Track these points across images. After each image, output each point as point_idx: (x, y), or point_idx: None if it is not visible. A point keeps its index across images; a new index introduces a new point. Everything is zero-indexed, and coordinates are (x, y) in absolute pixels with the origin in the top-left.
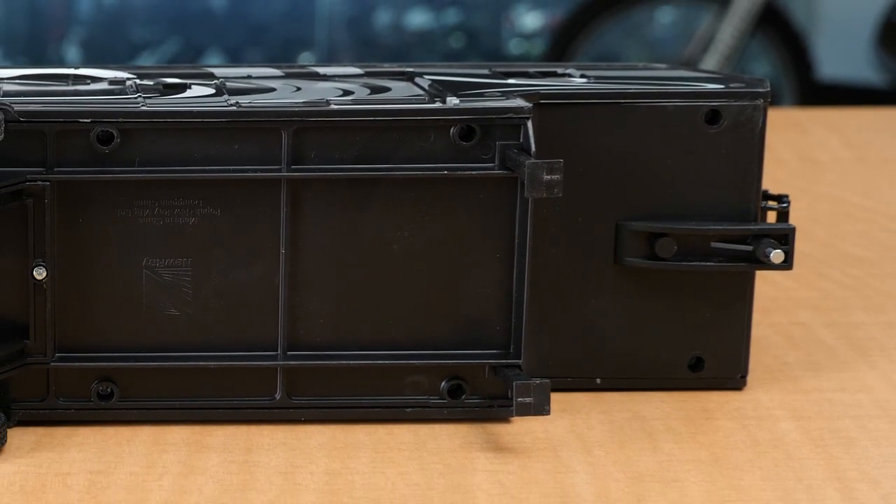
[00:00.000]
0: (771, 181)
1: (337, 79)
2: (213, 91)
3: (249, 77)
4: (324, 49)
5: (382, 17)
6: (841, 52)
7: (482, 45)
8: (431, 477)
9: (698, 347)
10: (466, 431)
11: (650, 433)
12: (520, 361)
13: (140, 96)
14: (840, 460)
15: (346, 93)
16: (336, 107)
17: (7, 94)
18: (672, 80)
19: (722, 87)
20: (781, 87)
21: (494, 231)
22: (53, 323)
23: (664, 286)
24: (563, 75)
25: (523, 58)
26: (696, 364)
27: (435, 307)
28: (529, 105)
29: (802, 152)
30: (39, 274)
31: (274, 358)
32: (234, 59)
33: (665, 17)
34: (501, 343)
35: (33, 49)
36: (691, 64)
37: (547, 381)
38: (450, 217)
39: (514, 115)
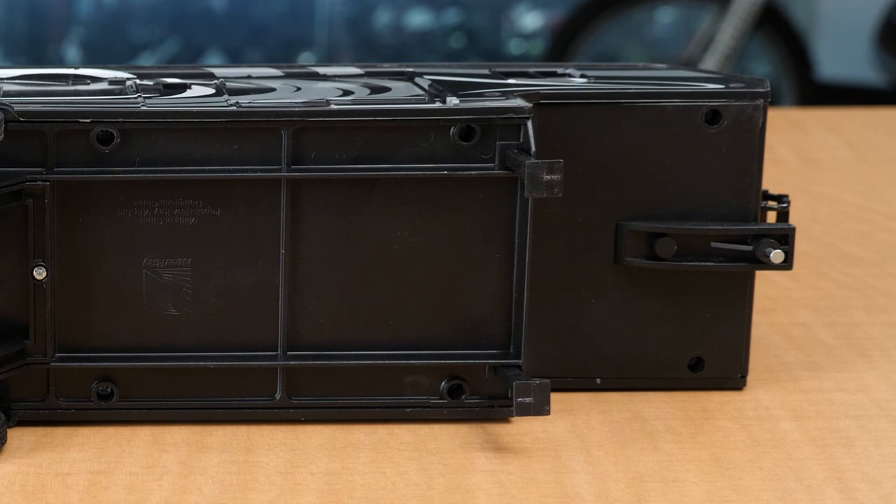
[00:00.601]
0: (771, 181)
1: (337, 79)
2: (213, 91)
3: (249, 77)
4: (324, 49)
5: (382, 17)
6: (841, 52)
7: (482, 45)
8: (431, 477)
9: (698, 347)
10: (466, 431)
11: (650, 433)
12: (520, 361)
13: (140, 96)
14: (840, 460)
15: (346, 93)
16: (336, 107)
17: (7, 94)
18: (672, 80)
19: (722, 87)
20: (781, 87)
21: (494, 231)
22: (53, 323)
23: (664, 286)
24: (563, 75)
25: (523, 58)
26: (696, 364)
27: (435, 307)
28: (529, 105)
29: (802, 152)
30: (39, 274)
31: (274, 358)
32: (234, 59)
33: (665, 17)
34: (501, 343)
35: (33, 49)
36: (691, 64)
37: (547, 381)
38: (450, 217)
39: (514, 115)
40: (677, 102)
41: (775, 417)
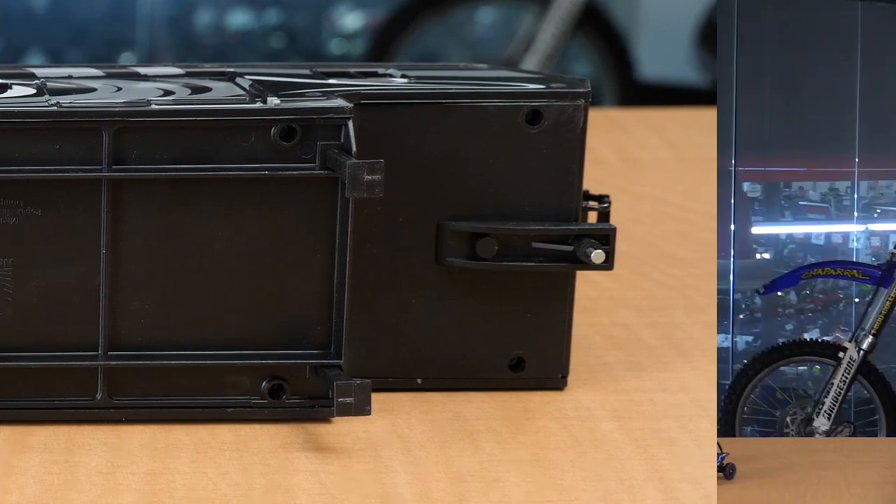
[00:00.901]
0: (592, 181)
1: (158, 79)
2: (33, 91)
3: (70, 77)
4: (145, 49)
5: (203, 17)
6: (661, 52)
7: (303, 45)
8: (252, 477)
9: (519, 347)
10: (287, 432)
11: (471, 433)
12: (340, 361)
13: None
14: (661, 460)
15: (167, 93)
16: (157, 107)
17: None
18: (493, 81)
19: (543, 87)
20: (602, 87)
21: (316, 231)
22: None
23: (485, 286)
24: (384, 75)
25: (344, 58)
26: (517, 364)
27: (257, 307)
28: (350, 105)
29: (623, 152)
30: None
31: (95, 358)
32: (56, 60)
33: (486, 17)
34: (322, 343)
35: None
36: (512, 64)
37: (367, 381)
38: (271, 217)
39: (335, 116)
40: (498, 102)
41: (596, 417)
